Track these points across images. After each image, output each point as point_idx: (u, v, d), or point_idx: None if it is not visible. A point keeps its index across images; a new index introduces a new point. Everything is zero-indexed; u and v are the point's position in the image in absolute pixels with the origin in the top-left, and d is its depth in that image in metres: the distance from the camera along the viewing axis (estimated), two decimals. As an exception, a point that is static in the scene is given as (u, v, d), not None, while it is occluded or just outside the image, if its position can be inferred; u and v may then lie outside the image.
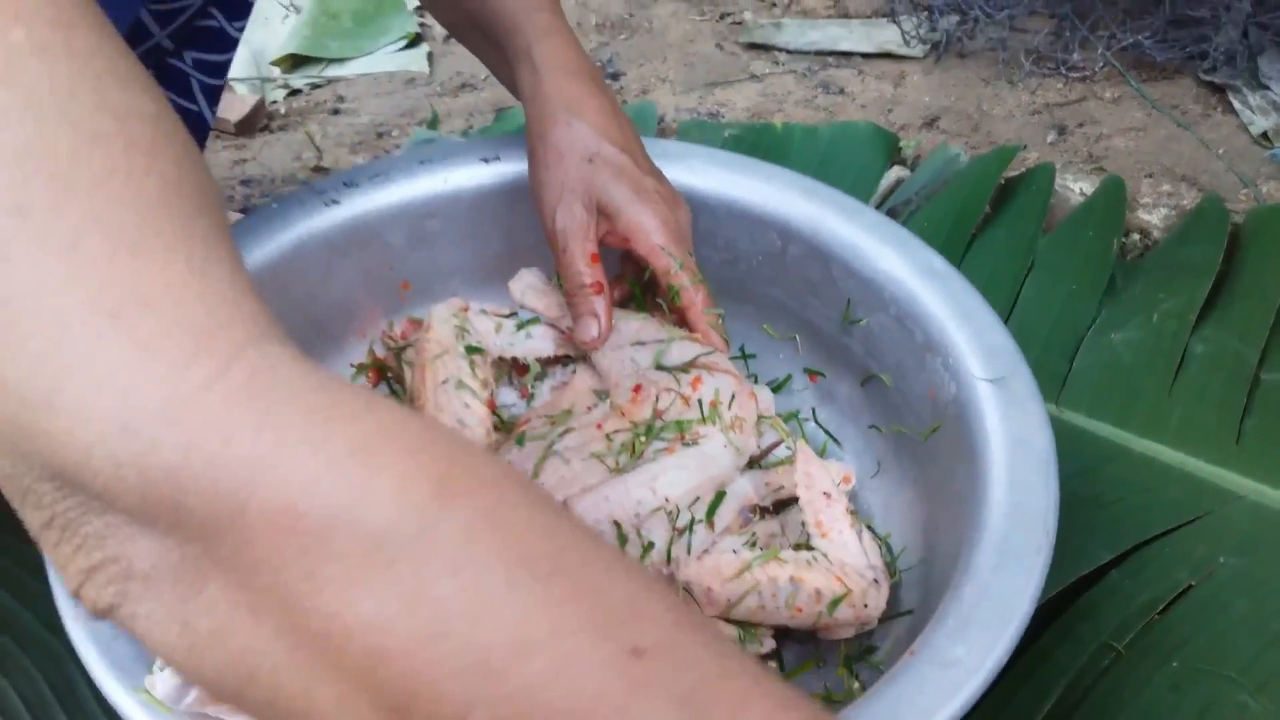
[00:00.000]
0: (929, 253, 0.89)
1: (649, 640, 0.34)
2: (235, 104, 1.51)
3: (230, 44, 0.96)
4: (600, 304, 0.85)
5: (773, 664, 0.79)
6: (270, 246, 0.89)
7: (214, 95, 0.97)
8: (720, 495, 0.80)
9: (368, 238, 0.94)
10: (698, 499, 0.79)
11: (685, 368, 0.87)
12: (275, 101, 1.59)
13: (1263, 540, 0.84)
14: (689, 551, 0.78)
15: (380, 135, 1.47)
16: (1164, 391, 0.98)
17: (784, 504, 0.83)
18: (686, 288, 0.86)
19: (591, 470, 0.81)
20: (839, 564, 0.77)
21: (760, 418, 0.87)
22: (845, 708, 0.66)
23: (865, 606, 0.76)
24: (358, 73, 1.65)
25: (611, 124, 0.82)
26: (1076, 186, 1.31)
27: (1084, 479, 0.91)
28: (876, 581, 0.77)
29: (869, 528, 0.83)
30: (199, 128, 0.99)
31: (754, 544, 0.79)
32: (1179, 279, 1.09)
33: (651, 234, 0.84)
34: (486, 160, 0.97)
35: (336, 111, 1.55)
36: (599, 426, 0.85)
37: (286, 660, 0.36)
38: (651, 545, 0.77)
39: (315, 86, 1.63)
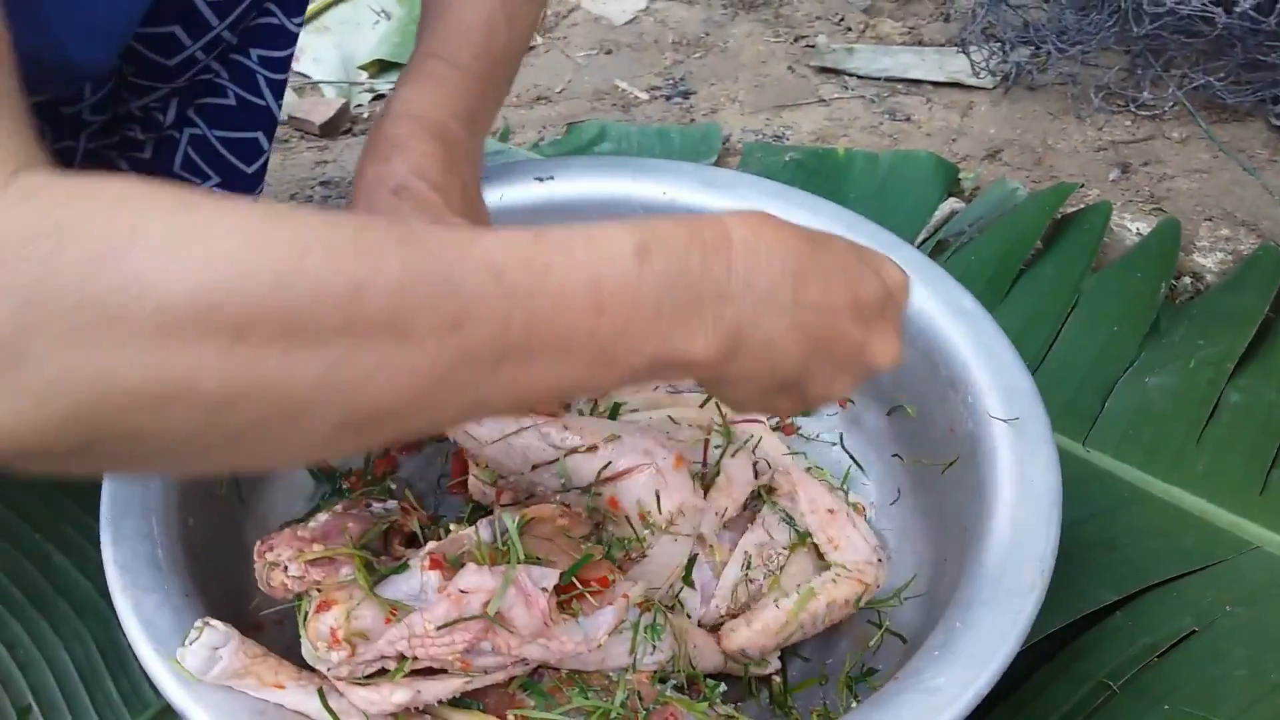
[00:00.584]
0: (960, 292, 0.91)
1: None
2: (320, 106, 1.59)
3: (290, 39, 1.01)
4: None
5: (777, 679, 0.83)
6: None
7: (279, 90, 1.03)
8: (692, 559, 0.81)
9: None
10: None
11: (595, 489, 0.80)
12: (360, 105, 1.66)
13: (1272, 591, 0.86)
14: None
15: (456, 143, 1.53)
16: (1193, 438, 0.99)
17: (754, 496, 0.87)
18: None
19: None
20: (855, 566, 0.81)
21: (709, 434, 0.89)
22: (826, 727, 0.71)
23: (877, 584, 0.82)
24: (441, 80, 1.71)
25: (434, 167, 0.79)
26: (1134, 226, 1.31)
27: (1101, 520, 0.93)
28: (881, 560, 0.83)
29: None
30: (268, 121, 1.04)
31: (750, 565, 0.83)
32: (1222, 326, 1.09)
33: None
34: (540, 179, 1.01)
35: (417, 117, 1.61)
36: None
37: None
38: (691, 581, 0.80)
39: (400, 91, 1.69)
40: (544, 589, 0.63)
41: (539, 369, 0.50)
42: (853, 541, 0.83)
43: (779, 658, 0.83)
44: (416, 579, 0.63)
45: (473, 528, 0.66)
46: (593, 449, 0.77)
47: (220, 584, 0.76)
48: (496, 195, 1.00)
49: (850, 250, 0.62)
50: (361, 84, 1.72)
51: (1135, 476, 0.98)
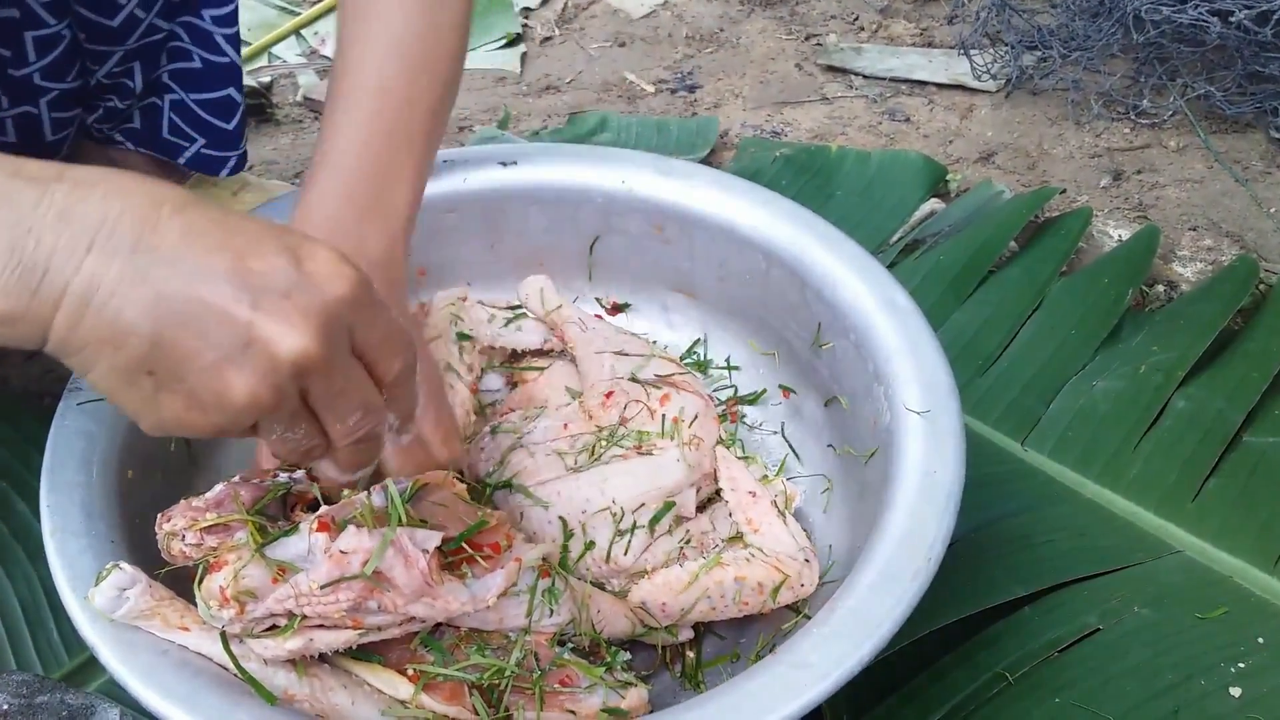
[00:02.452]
0: (895, 288, 0.93)
1: None
2: (336, 89, 1.64)
3: None
4: None
5: (690, 654, 0.86)
6: (300, 227, 1.00)
7: (235, 43, 1.07)
8: (668, 505, 0.86)
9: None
10: (643, 505, 0.86)
11: (657, 383, 0.94)
12: (378, 89, 1.71)
13: (1182, 595, 0.87)
14: (626, 553, 0.84)
15: (461, 129, 1.57)
16: (1131, 442, 1.00)
17: (709, 500, 0.89)
18: None
19: (551, 465, 0.88)
20: (774, 553, 0.84)
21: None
22: (702, 693, 0.73)
23: (803, 585, 0.84)
24: (457, 67, 1.76)
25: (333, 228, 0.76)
26: (1116, 233, 1.32)
27: (1024, 517, 0.94)
28: (808, 560, 0.85)
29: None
30: (234, 75, 1.09)
31: (688, 541, 0.86)
32: (1180, 334, 1.10)
33: None
34: (504, 164, 1.05)
35: (428, 102, 1.65)
36: (565, 427, 0.92)
37: None
38: (593, 544, 0.84)
39: (417, 77, 1.74)
40: (425, 550, 0.66)
41: None
42: (774, 530, 0.86)
43: (695, 632, 0.86)
44: (305, 542, 0.66)
45: (365, 493, 0.70)
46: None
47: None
48: (460, 179, 1.04)
49: (267, 229, 0.52)
50: (381, 69, 1.77)
51: (1068, 477, 0.99)
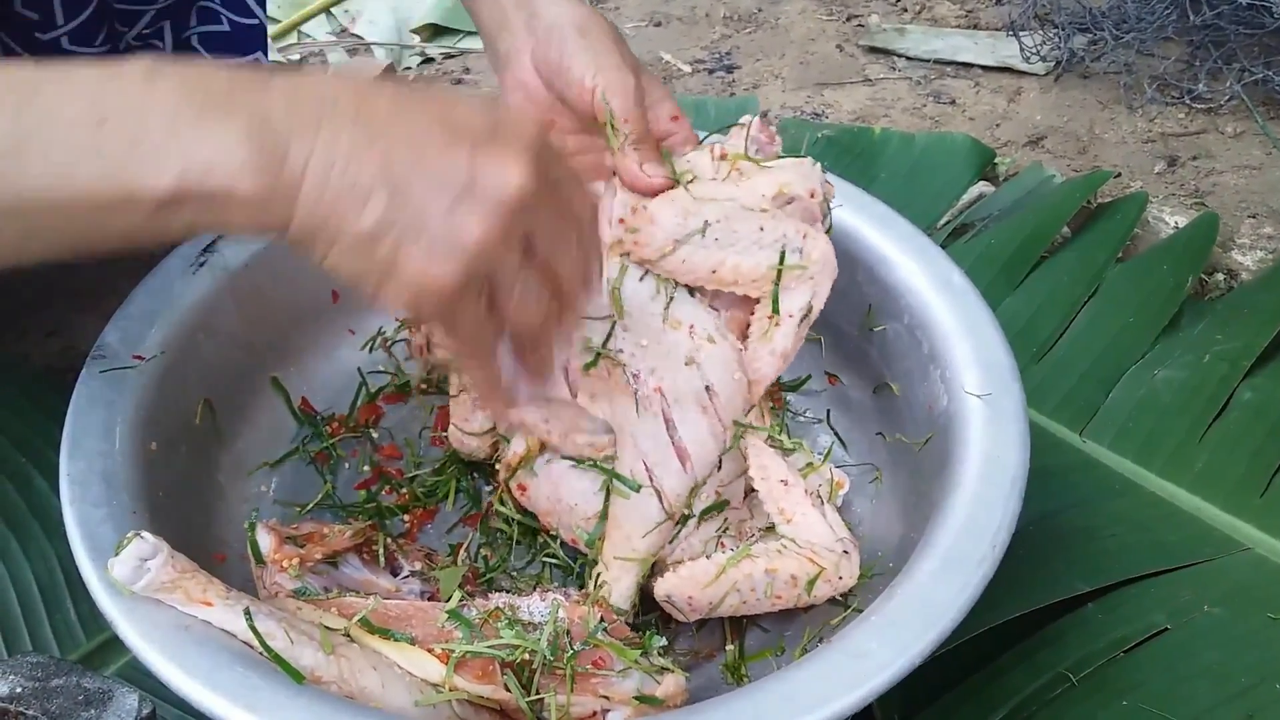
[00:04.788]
0: (951, 268, 0.89)
1: None
2: (366, 66, 1.60)
3: None
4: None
5: (731, 647, 0.82)
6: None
7: (263, 2, 1.05)
8: (723, 503, 0.81)
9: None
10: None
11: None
12: (409, 68, 1.68)
13: (1253, 593, 0.82)
14: (671, 541, 0.80)
15: (493, 107, 1.53)
16: (1195, 434, 0.96)
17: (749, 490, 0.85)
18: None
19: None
20: (808, 545, 0.79)
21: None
22: (749, 683, 0.69)
23: (841, 578, 0.78)
24: (489, 46, 1.72)
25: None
26: (1173, 220, 1.27)
27: (1084, 510, 0.90)
28: (846, 552, 0.79)
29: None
30: (262, 38, 1.06)
31: (726, 530, 0.82)
32: (1244, 323, 1.05)
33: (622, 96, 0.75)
34: (543, 136, 1.01)
35: (460, 81, 1.62)
36: None
37: None
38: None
39: (448, 56, 1.71)
40: None
41: (39, 180, 0.51)
42: (809, 520, 0.80)
43: (736, 624, 0.82)
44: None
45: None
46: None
47: (180, 509, 0.78)
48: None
49: (456, 90, 0.55)
50: (413, 47, 1.74)
51: (1129, 469, 0.95)
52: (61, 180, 0.51)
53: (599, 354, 0.78)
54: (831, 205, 0.82)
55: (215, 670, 0.62)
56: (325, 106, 0.52)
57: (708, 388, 0.79)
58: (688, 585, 0.77)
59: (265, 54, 1.07)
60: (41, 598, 0.82)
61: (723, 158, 0.81)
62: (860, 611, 0.80)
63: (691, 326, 0.79)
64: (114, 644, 0.80)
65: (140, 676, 0.68)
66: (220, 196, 0.51)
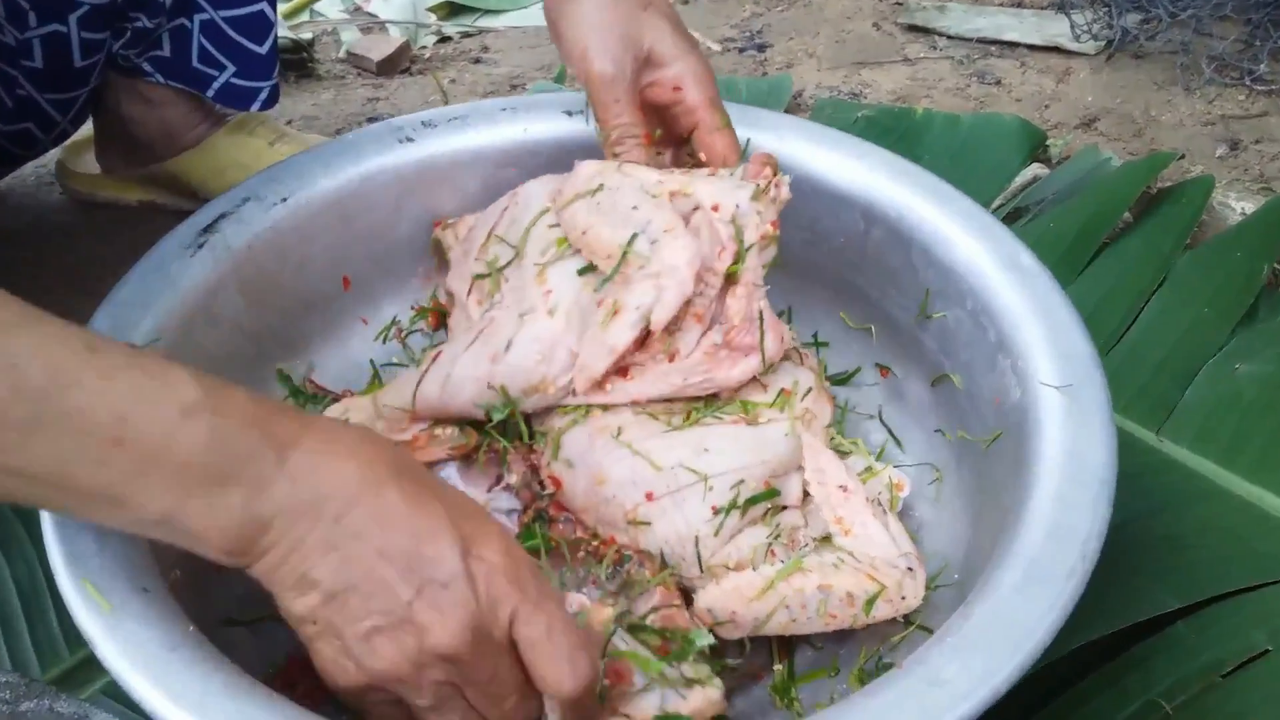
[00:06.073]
0: (1018, 247, 0.81)
1: None
2: (380, 44, 1.53)
3: None
4: (648, 157, 0.81)
5: (778, 667, 0.74)
6: (340, 177, 0.89)
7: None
8: (771, 492, 0.74)
9: (440, 179, 0.92)
10: (741, 481, 0.73)
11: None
12: (425, 47, 1.60)
13: (1363, 610, 0.74)
14: (716, 534, 0.72)
15: (514, 87, 1.46)
16: (1285, 433, 0.88)
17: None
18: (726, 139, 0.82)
19: (642, 424, 0.76)
20: (867, 559, 0.71)
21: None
22: (811, 715, 0.61)
23: (904, 598, 0.70)
24: (509, 25, 1.65)
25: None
26: (1239, 206, 1.19)
27: (1168, 516, 0.82)
28: (911, 569, 0.71)
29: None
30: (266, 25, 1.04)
31: (777, 536, 0.74)
32: (1329, 314, 0.97)
33: (708, 85, 0.81)
34: (570, 114, 0.93)
35: (478, 60, 1.55)
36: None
37: None
38: (670, 572, 0.72)
39: (466, 35, 1.63)
40: None
41: (40, 462, 0.51)
42: (870, 531, 0.72)
43: (784, 641, 0.74)
44: None
45: None
46: None
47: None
48: (521, 128, 0.93)
49: (444, 517, 0.56)
50: (429, 25, 1.67)
51: (1213, 472, 0.87)
52: (61, 469, 0.51)
53: (492, 272, 0.80)
54: (759, 244, 0.75)
55: (206, 697, 0.55)
56: (317, 505, 0.54)
57: (509, 344, 0.74)
58: (732, 599, 0.69)
59: (271, 7, 1.04)
60: (22, 607, 0.75)
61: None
62: (926, 630, 0.72)
63: (549, 292, 0.75)
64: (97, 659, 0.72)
65: (126, 698, 0.61)
66: (196, 537, 0.54)
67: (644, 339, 0.74)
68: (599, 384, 0.74)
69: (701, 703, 0.64)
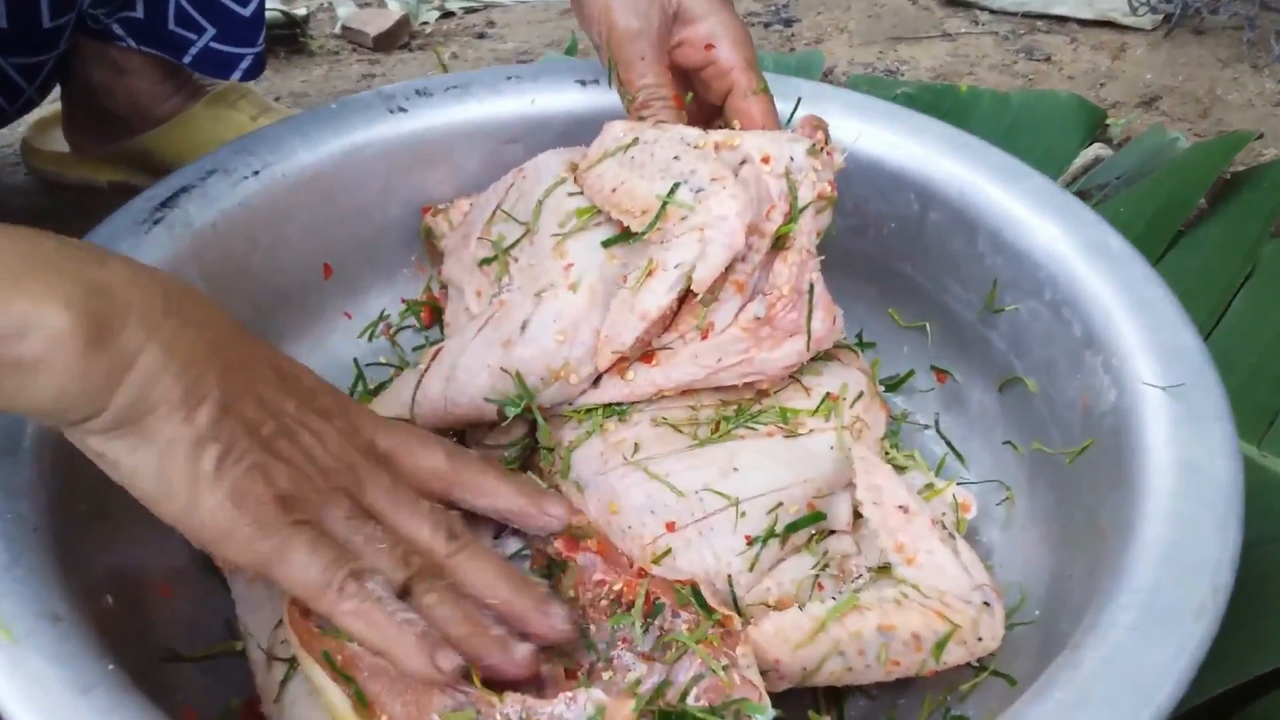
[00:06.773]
0: (1103, 228, 0.70)
1: None
2: (377, 18, 1.43)
3: None
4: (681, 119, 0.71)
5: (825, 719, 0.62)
6: (321, 150, 0.78)
7: None
8: (815, 516, 0.62)
9: (436, 156, 0.81)
10: (779, 505, 0.62)
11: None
12: (426, 22, 1.50)
13: None
14: (751, 568, 0.60)
15: (520, 62, 1.35)
16: (1407, 445, 0.76)
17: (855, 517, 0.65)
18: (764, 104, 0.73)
19: (662, 438, 0.64)
20: (936, 594, 0.59)
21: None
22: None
23: (980, 639, 0.59)
24: (516, -1, 1.54)
25: None
26: (1321, 191, 1.07)
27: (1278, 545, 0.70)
28: (988, 603, 0.59)
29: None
30: None
31: (825, 566, 0.62)
32: None
33: (744, 45, 0.73)
34: (584, 83, 0.82)
35: (483, 36, 1.44)
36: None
37: None
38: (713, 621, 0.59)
39: (470, 10, 1.53)
40: None
41: None
42: (938, 560, 0.60)
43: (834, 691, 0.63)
44: None
45: None
46: None
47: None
48: (528, 100, 0.82)
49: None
50: (431, 2, 1.56)
51: (1329, 489, 0.75)
52: None
53: (498, 254, 0.69)
54: (815, 204, 0.64)
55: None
56: (173, 298, 0.48)
57: (524, 324, 0.64)
58: (775, 644, 0.58)
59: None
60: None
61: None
62: (1003, 677, 0.60)
63: (570, 265, 0.65)
64: None
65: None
66: (28, 365, 0.44)
67: (679, 306, 0.63)
68: (622, 363, 0.63)
69: None
